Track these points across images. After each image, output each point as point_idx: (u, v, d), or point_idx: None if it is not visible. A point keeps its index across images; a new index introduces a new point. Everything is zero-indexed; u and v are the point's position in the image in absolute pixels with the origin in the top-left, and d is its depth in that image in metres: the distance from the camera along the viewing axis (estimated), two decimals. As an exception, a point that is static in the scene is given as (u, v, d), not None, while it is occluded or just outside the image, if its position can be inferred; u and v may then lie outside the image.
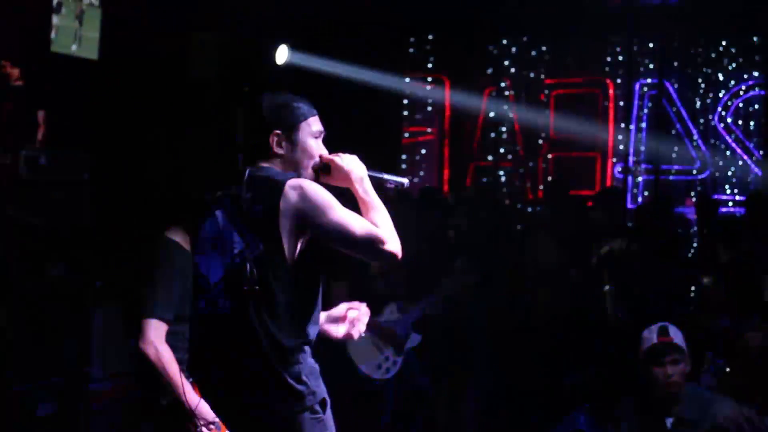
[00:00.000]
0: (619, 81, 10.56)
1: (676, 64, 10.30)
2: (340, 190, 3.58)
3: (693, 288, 7.26)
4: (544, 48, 10.64)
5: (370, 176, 3.60)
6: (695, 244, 9.12)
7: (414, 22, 10.30)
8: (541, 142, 10.95)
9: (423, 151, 11.21)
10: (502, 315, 8.16)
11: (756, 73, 10.24)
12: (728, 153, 10.34)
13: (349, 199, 3.53)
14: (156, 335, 4.26)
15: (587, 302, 7.52)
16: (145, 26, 7.40)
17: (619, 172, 10.65)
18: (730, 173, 10.36)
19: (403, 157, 11.08)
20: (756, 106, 10.27)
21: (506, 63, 10.54)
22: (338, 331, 3.74)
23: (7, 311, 5.26)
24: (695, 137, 10.38)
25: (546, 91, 10.86)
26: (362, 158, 3.65)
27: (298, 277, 3.38)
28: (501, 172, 10.98)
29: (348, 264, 6.35)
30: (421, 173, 11.15)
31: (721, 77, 10.27)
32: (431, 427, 7.41)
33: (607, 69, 10.68)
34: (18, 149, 5.34)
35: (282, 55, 8.48)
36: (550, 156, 10.94)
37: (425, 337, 6.80)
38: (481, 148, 11.01)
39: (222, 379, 3.44)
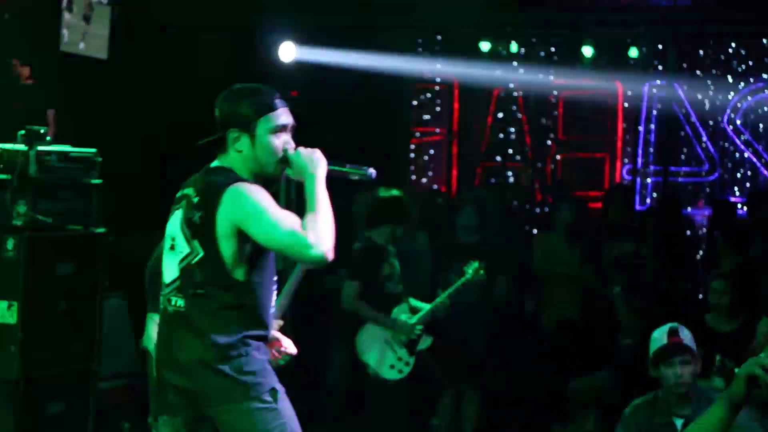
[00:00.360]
0: (628, 82, 10.52)
1: (685, 65, 10.27)
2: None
3: (702, 289, 7.25)
4: (552, 49, 10.60)
5: (332, 170, 3.55)
6: (704, 246, 9.11)
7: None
8: (549, 143, 10.94)
9: (432, 152, 11.20)
10: (508, 316, 8.17)
11: (765, 75, 10.20)
12: (737, 155, 10.31)
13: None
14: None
15: (597, 304, 7.52)
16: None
17: (627, 174, 10.64)
18: (739, 175, 10.33)
19: (412, 157, 11.08)
20: (765, 108, 10.23)
21: (515, 63, 10.49)
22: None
23: (17, 310, 5.26)
24: (704, 139, 10.35)
25: (555, 92, 10.83)
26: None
27: (246, 279, 3.45)
28: (509, 173, 10.97)
29: (360, 264, 6.35)
30: (430, 173, 11.15)
31: (730, 79, 10.24)
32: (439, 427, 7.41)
33: (616, 70, 10.63)
34: (29, 148, 5.34)
35: (289, 53, 8.49)
36: (558, 157, 10.93)
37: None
38: (490, 148, 10.99)
39: (174, 375, 3.51)
